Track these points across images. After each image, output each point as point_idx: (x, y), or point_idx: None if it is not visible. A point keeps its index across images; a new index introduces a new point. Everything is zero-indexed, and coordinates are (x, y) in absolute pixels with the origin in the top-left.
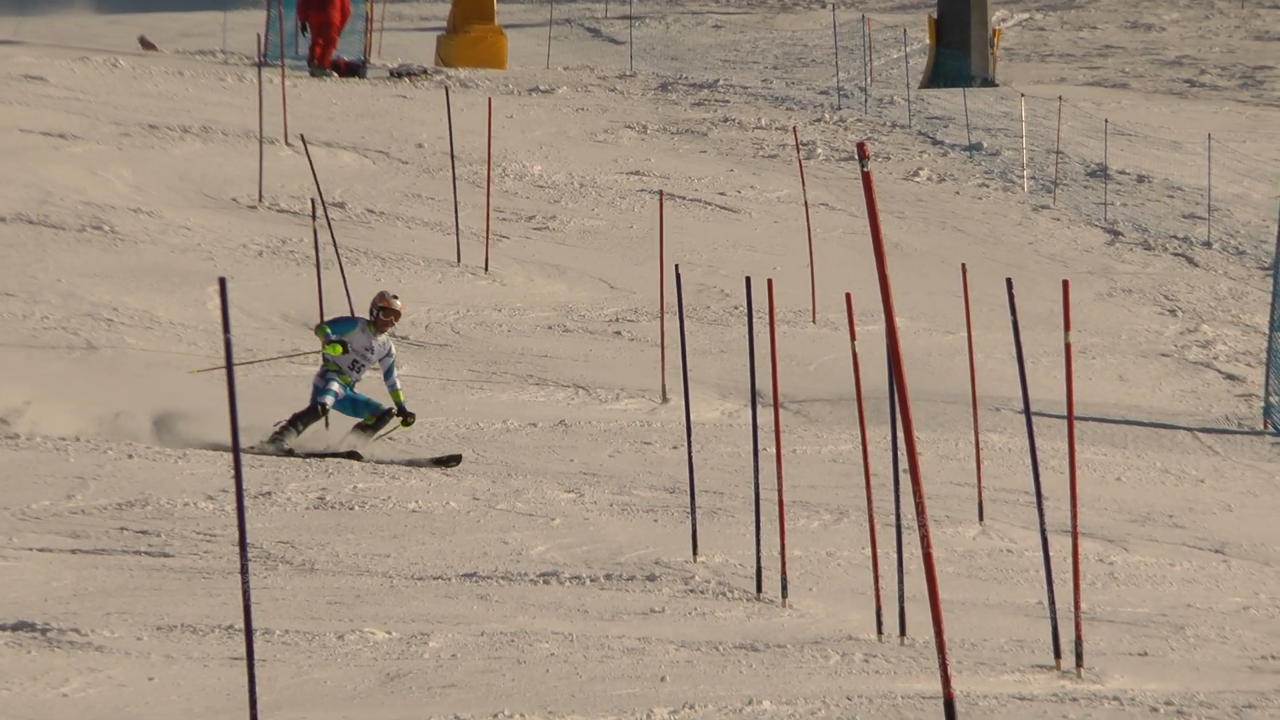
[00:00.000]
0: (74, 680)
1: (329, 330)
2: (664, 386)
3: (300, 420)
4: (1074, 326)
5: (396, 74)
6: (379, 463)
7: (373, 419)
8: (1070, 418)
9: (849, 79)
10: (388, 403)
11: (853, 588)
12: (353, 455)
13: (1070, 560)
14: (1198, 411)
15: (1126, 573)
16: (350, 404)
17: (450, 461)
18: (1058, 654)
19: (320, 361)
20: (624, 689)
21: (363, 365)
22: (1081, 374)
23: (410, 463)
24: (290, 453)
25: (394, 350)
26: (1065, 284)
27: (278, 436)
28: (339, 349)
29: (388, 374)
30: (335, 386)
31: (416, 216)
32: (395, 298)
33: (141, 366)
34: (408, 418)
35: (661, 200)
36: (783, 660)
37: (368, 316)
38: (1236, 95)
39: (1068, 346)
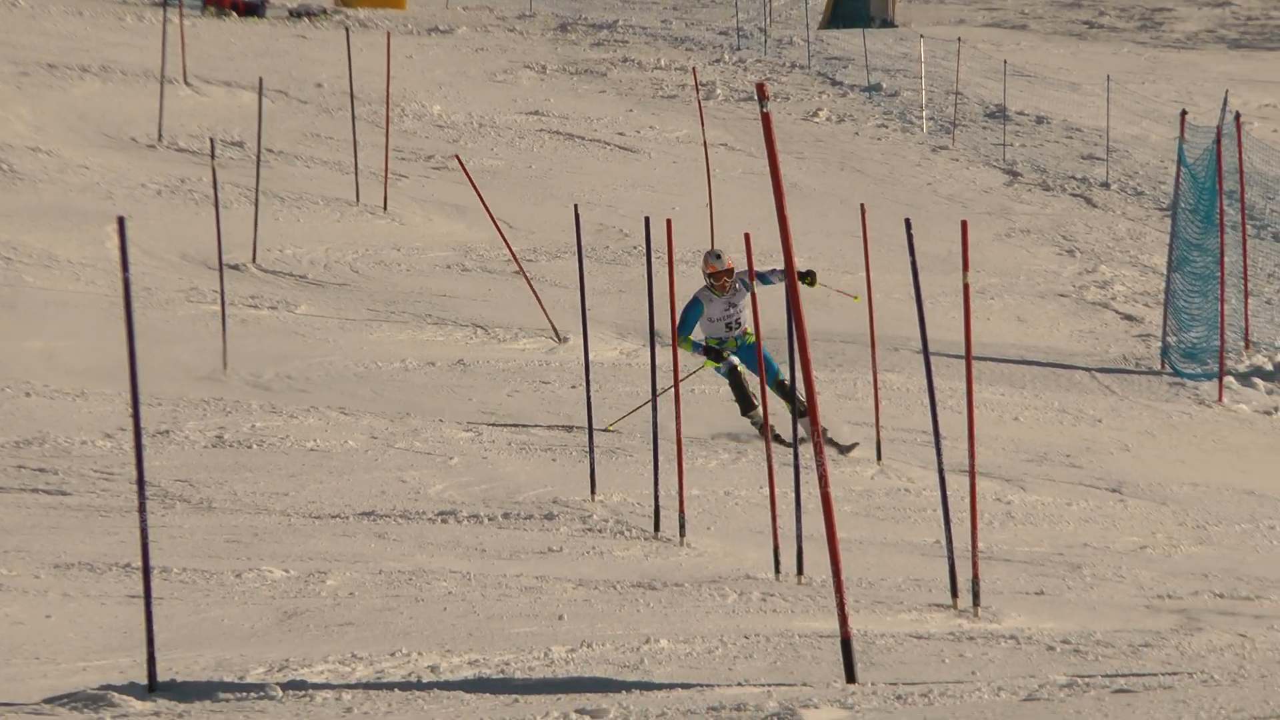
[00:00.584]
0: None
1: (691, 341)
2: (559, 324)
3: (737, 396)
4: (972, 267)
5: (296, 14)
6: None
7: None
8: (969, 358)
9: (748, 19)
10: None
11: (750, 527)
12: (840, 446)
13: (968, 500)
14: (1095, 352)
15: (1024, 512)
16: (751, 362)
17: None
18: (955, 593)
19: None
20: (522, 627)
21: (735, 319)
22: (980, 314)
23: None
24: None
25: (741, 273)
26: (964, 225)
27: (758, 425)
28: (714, 363)
29: (763, 280)
30: (730, 357)
31: (315, 156)
32: (714, 255)
33: (40, 304)
34: (807, 276)
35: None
36: (680, 599)
37: (704, 283)
38: (1135, 37)
39: (966, 287)
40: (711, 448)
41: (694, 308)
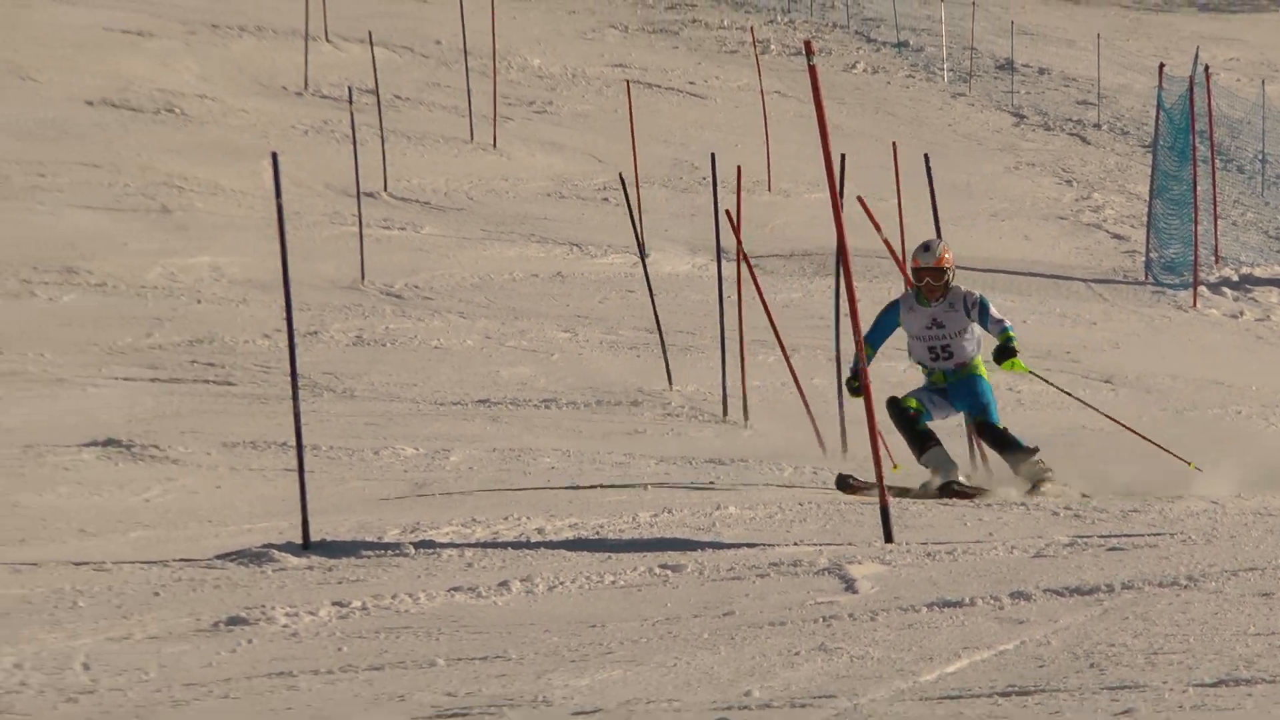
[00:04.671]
0: (154, 488)
1: (871, 346)
2: (642, 242)
3: (915, 447)
4: (985, 195)
5: None
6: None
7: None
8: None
9: None
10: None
11: (802, 412)
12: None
13: None
14: (1090, 265)
15: (1031, 399)
16: (949, 403)
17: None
18: (973, 465)
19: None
20: (613, 496)
21: (944, 345)
22: (992, 234)
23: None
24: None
25: (979, 297)
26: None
27: (941, 486)
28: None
29: (983, 319)
30: (918, 394)
31: (435, 101)
32: (922, 248)
33: (207, 227)
34: (1006, 355)
35: (629, 90)
36: (745, 472)
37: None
38: (1121, 1)
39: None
40: (769, 346)
41: (889, 312)
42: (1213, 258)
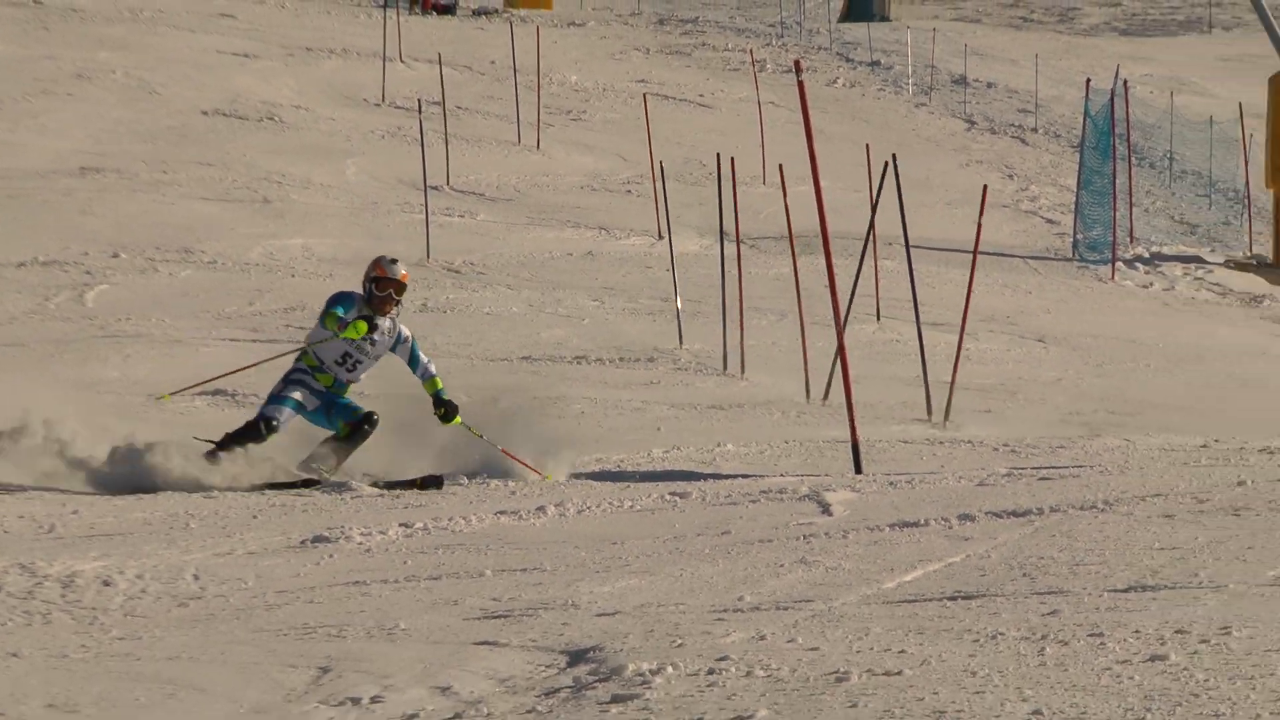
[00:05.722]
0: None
1: (339, 311)
2: (659, 227)
3: (235, 439)
4: (942, 187)
5: (476, 13)
6: (356, 490)
7: (347, 429)
8: (975, 253)
9: (789, 15)
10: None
11: (790, 365)
12: (308, 484)
13: (939, 347)
14: (1027, 245)
15: (977, 355)
16: (325, 412)
17: (429, 483)
18: (930, 411)
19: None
20: (631, 435)
21: (361, 361)
22: (948, 219)
23: (389, 485)
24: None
25: (407, 334)
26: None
27: (212, 460)
28: (363, 326)
29: (413, 363)
30: (297, 395)
31: (490, 111)
32: (395, 262)
33: (300, 214)
34: (446, 411)
35: (646, 101)
36: (741, 416)
37: (360, 292)
38: (1055, 27)
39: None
40: (762, 312)
41: (350, 301)
42: (1128, 238)
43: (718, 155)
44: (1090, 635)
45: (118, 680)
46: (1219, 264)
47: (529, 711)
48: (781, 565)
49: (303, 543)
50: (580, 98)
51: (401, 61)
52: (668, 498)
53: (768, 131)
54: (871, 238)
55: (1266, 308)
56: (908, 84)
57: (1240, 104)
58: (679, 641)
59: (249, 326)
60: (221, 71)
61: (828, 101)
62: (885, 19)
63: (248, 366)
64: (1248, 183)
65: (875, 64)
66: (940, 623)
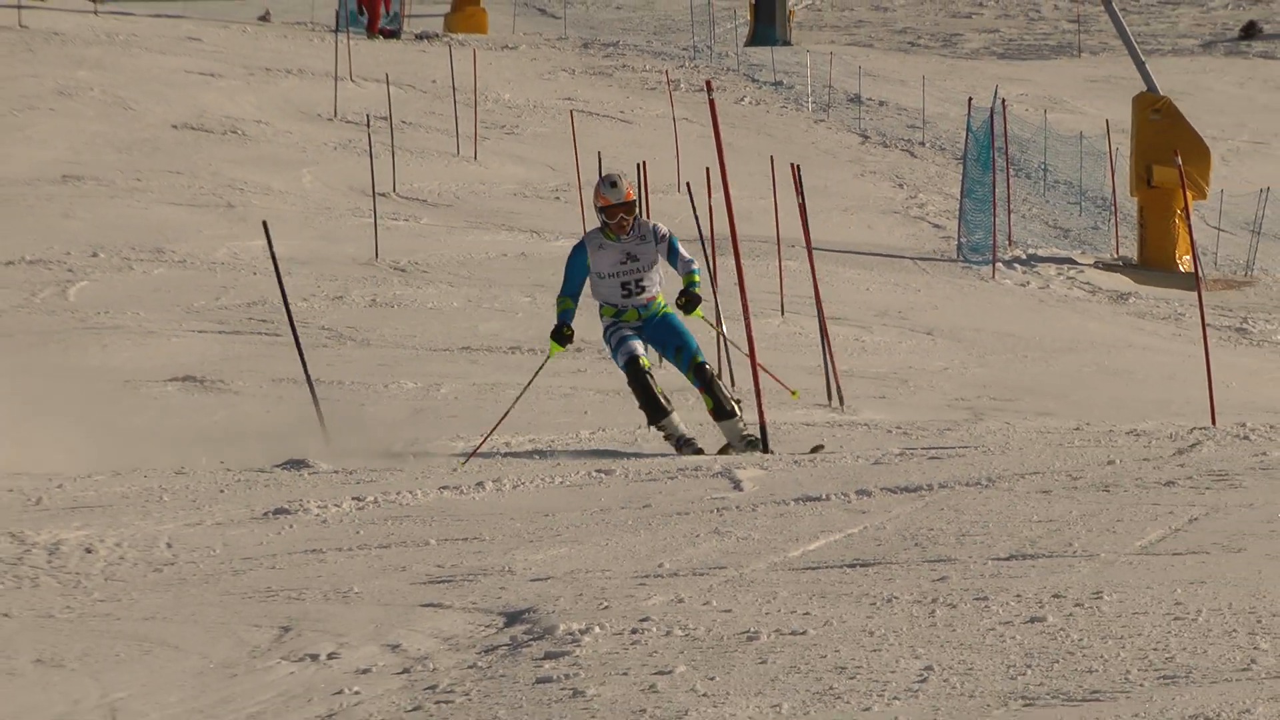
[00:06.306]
0: (219, 412)
1: (571, 303)
2: (584, 230)
3: (646, 407)
4: (839, 195)
5: (419, 37)
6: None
7: (692, 376)
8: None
9: (700, 40)
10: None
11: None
12: (751, 444)
13: (835, 339)
14: (916, 247)
15: (872, 346)
16: (661, 347)
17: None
18: (830, 397)
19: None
20: (562, 418)
21: (637, 280)
22: (844, 224)
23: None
24: (690, 444)
25: (664, 230)
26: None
27: (674, 437)
28: (557, 346)
29: (672, 256)
30: (628, 334)
31: (431, 125)
32: (614, 185)
33: (258, 216)
34: (688, 301)
35: (573, 116)
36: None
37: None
38: (940, 51)
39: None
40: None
41: (576, 258)
42: (1007, 242)
43: (637, 165)
44: (976, 599)
45: (99, 638)
46: (1089, 265)
47: (470, 667)
48: (697, 535)
49: (265, 515)
50: (513, 113)
51: (351, 81)
52: (594, 474)
53: (682, 144)
54: (776, 240)
55: (1132, 304)
56: (808, 102)
57: (1107, 120)
58: (605, 604)
59: (216, 319)
60: (189, 89)
61: (736, 117)
62: (787, 43)
63: (528, 383)
64: (1114, 191)
65: (778, 84)
66: (840, 587)
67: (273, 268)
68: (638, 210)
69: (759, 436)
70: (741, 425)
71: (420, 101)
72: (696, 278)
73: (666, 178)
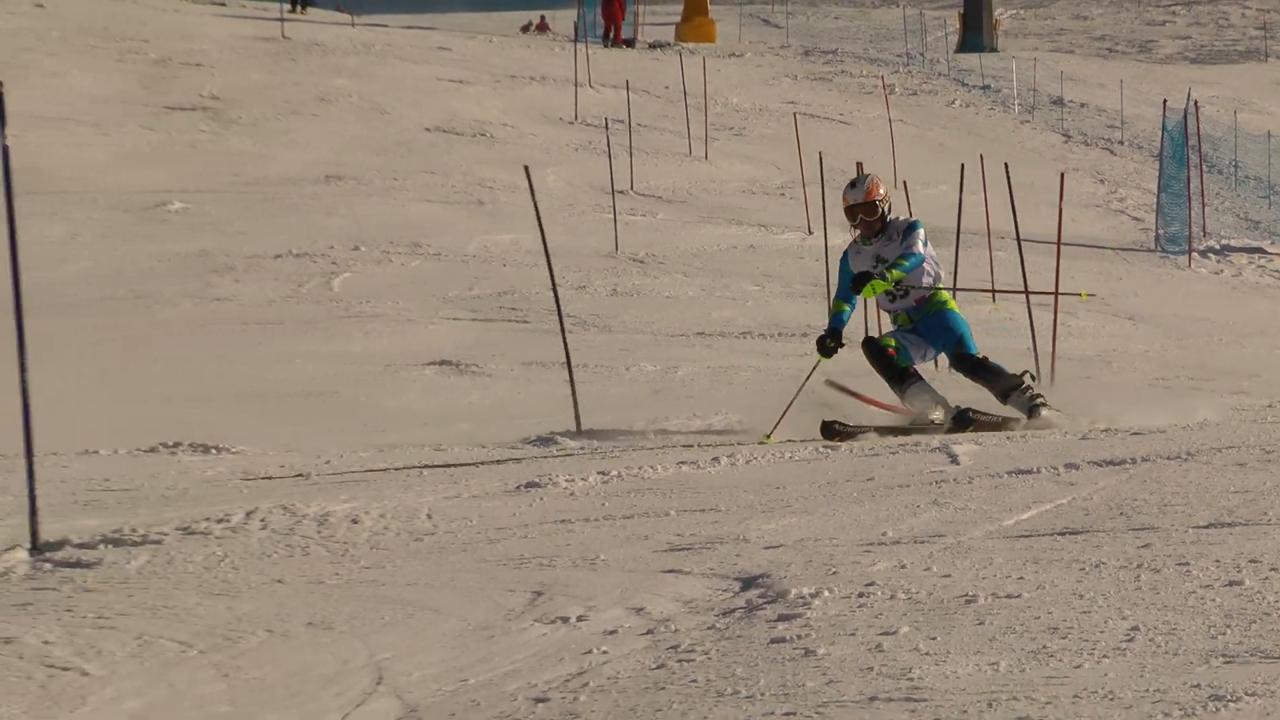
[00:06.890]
0: (473, 394)
1: (845, 305)
2: (808, 223)
3: (891, 382)
4: (1044, 190)
5: (652, 46)
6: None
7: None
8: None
9: (914, 47)
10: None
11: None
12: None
13: (1044, 324)
14: (1117, 239)
15: (1078, 331)
16: (932, 341)
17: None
18: (1036, 378)
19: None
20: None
21: (900, 287)
22: (1048, 217)
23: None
24: (964, 416)
25: (913, 220)
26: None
27: (956, 415)
28: (822, 356)
29: (903, 239)
30: (894, 334)
31: (665, 127)
32: (853, 186)
33: (508, 211)
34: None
35: (796, 119)
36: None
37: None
38: (1136, 57)
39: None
40: None
41: (843, 263)
42: (1201, 233)
43: (857, 164)
44: (1178, 564)
45: (366, 602)
46: (1278, 253)
47: (709, 628)
48: (918, 506)
49: (517, 488)
50: (740, 116)
51: (591, 87)
52: (821, 450)
53: (898, 143)
54: (987, 232)
55: None
56: (1014, 105)
57: None
58: (833, 570)
59: (469, 308)
60: (441, 96)
61: (947, 119)
62: (994, 50)
63: (803, 383)
64: None
65: (986, 88)
66: (1051, 554)
67: (539, 236)
68: (885, 209)
69: (1043, 399)
70: (1028, 395)
71: (654, 106)
72: (897, 273)
73: (882, 175)
